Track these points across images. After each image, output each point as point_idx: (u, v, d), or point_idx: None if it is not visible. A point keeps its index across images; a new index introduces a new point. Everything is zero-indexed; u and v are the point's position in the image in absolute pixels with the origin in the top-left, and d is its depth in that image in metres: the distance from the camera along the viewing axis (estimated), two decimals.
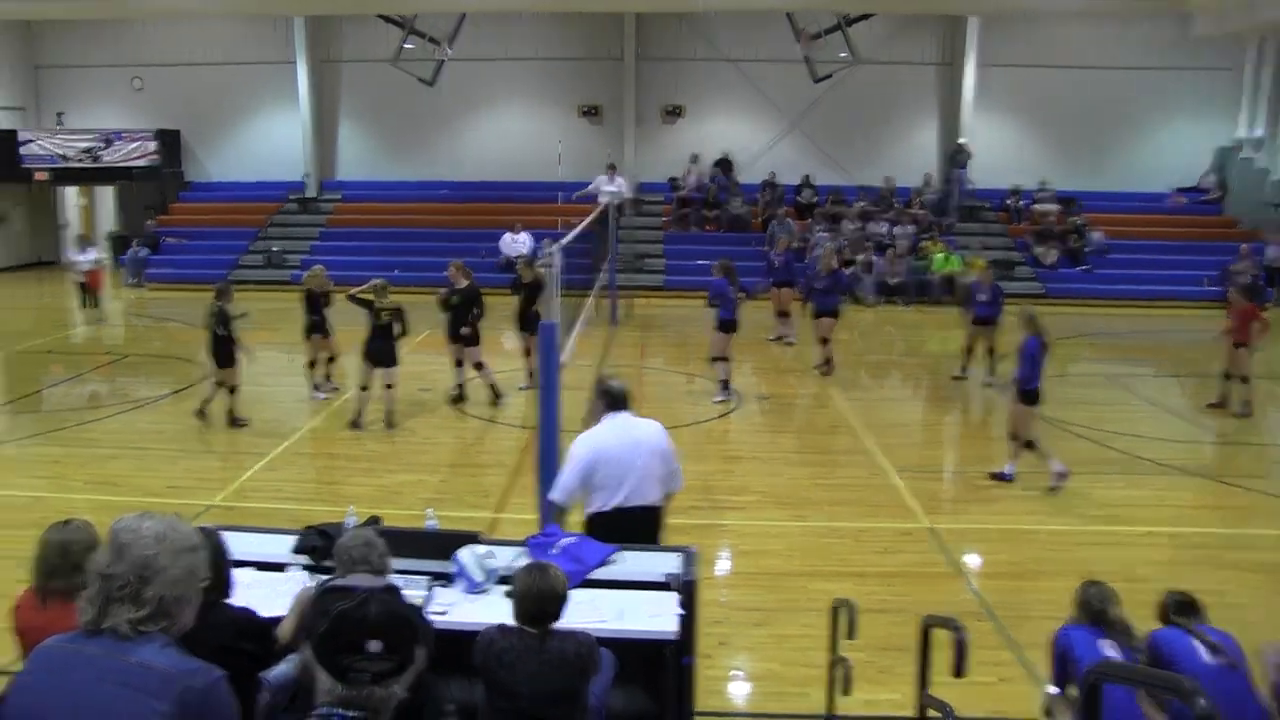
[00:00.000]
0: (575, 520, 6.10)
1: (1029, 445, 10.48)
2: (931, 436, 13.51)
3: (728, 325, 13.63)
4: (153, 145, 26.57)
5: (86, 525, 4.25)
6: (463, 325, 13.10)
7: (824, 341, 15.31)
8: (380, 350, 12.24)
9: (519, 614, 4.16)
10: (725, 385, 13.67)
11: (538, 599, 4.12)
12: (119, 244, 26.44)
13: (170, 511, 2.70)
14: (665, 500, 6.19)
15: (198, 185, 28.30)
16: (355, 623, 2.13)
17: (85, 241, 21.59)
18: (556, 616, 4.16)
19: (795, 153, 26.89)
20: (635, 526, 5.88)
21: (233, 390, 12.52)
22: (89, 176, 27.40)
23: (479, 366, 13.33)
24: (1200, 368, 15.25)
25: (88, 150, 26.41)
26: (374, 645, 2.13)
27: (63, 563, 4.10)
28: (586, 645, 4.16)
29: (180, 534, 2.65)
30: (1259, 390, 13.73)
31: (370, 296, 12.26)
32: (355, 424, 12.32)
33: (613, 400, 6.16)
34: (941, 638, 4.93)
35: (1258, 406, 13.45)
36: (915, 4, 24.32)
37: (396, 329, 12.25)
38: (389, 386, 12.36)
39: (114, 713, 2.46)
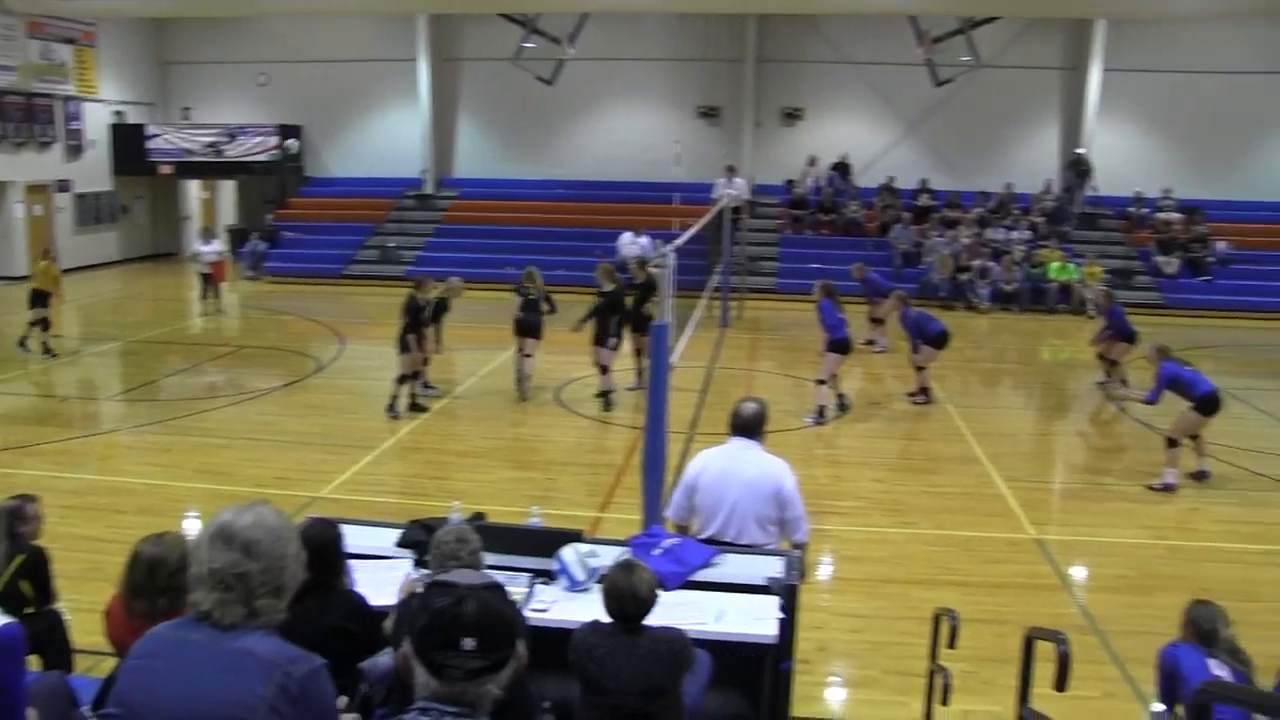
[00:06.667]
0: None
1: (1172, 443, 10.61)
2: (1042, 446, 13.31)
3: (838, 346, 13.00)
4: (275, 140, 27.22)
5: (180, 540, 4.23)
6: (607, 328, 13.43)
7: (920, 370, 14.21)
8: (526, 322, 13.65)
9: (608, 611, 4.22)
10: (821, 411, 13.01)
11: (622, 597, 4.16)
12: (237, 237, 27.12)
13: (271, 504, 2.79)
14: (797, 548, 5.66)
15: (317, 180, 28.92)
16: (451, 619, 2.18)
17: (209, 233, 22.07)
18: (644, 614, 4.19)
19: (914, 157, 26.55)
20: None
21: (411, 378, 13.00)
22: (212, 170, 28.16)
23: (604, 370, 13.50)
24: None
25: (211, 144, 27.12)
26: (468, 643, 2.17)
27: (149, 582, 4.12)
28: (679, 642, 4.18)
29: (282, 527, 2.73)
30: None
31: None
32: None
33: (737, 424, 5.83)
34: (1045, 650, 4.88)
35: None
36: (1040, 7, 23.75)
37: (545, 307, 13.73)
38: (527, 355, 13.69)
39: (218, 696, 2.55)
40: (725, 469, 5.72)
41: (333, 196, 28.10)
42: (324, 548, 4.22)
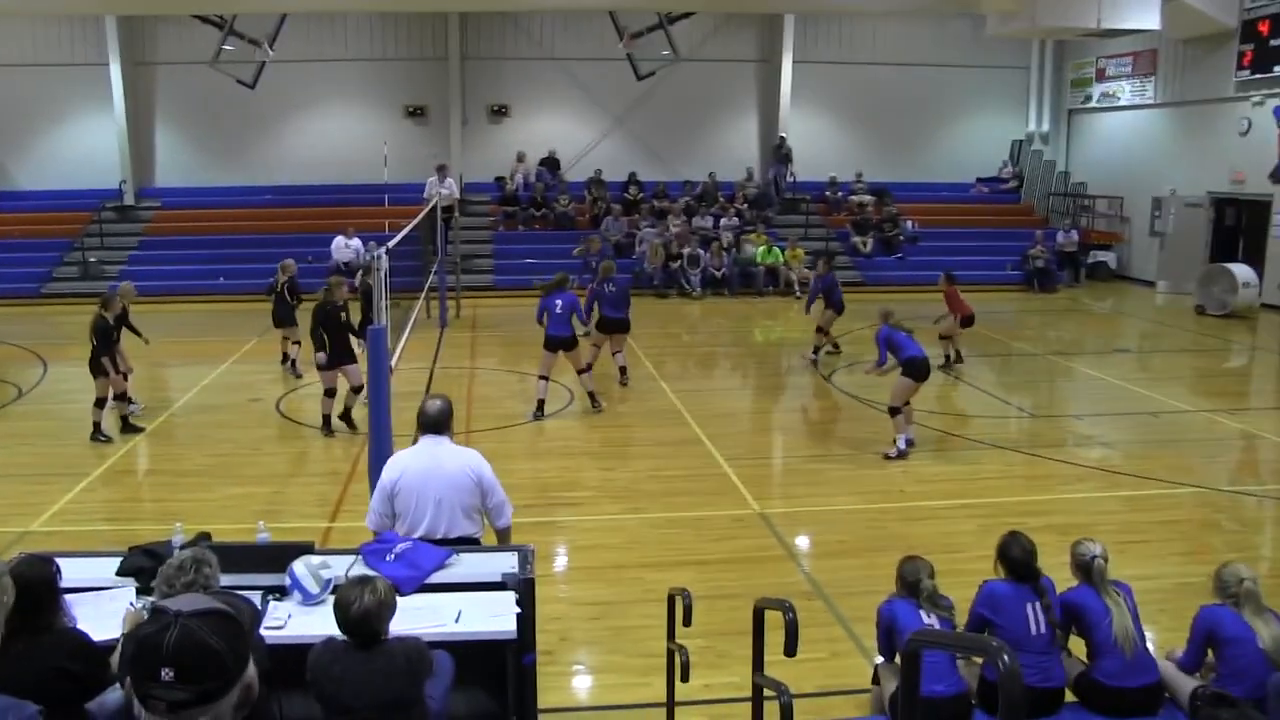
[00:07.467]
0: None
1: (894, 410, 11.26)
2: (760, 424, 13.88)
3: (547, 342, 12.94)
4: None
5: None
6: (346, 344, 12.30)
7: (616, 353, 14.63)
8: (283, 313, 14.81)
9: (341, 628, 4.10)
10: (540, 405, 12.98)
11: (353, 614, 4.04)
12: None
13: None
14: (502, 534, 5.87)
15: (2, 194, 26.41)
16: (152, 649, 2.06)
17: None
18: (378, 628, 4.08)
19: (621, 150, 27.20)
20: None
21: (119, 398, 12.14)
22: None
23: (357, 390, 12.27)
24: (1005, 347, 16.07)
25: None
26: (166, 674, 2.05)
27: None
28: (416, 650, 4.12)
29: None
30: (1057, 365, 15.46)
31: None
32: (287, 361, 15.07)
33: (425, 422, 5.85)
34: (775, 619, 5.08)
35: (1056, 381, 15.31)
36: (732, 3, 24.85)
37: (292, 301, 14.79)
38: (296, 343, 14.75)
39: None
40: (424, 468, 5.71)
41: (21, 211, 25.67)
42: (36, 586, 3.95)
